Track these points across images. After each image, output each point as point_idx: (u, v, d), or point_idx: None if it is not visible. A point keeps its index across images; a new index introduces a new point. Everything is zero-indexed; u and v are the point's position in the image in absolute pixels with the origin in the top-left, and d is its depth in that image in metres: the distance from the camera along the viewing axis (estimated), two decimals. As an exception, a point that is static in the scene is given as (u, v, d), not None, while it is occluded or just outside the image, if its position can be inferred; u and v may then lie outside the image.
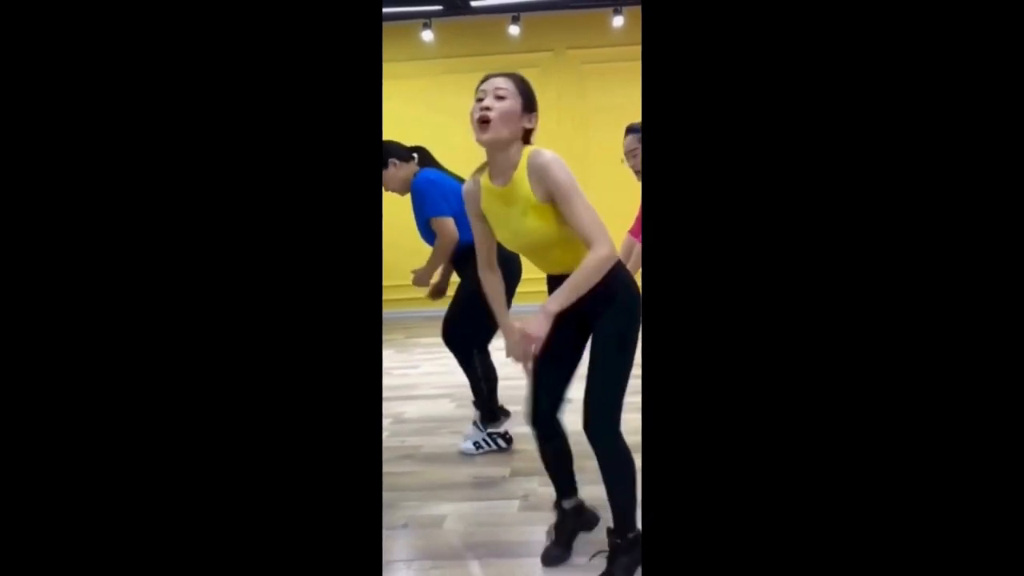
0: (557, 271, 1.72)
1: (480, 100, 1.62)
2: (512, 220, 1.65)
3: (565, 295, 1.55)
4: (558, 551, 1.93)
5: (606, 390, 1.68)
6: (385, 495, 2.42)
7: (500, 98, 1.60)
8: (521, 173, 1.61)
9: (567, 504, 1.97)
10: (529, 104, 1.65)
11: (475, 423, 2.79)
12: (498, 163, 1.65)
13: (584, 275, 1.55)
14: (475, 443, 2.76)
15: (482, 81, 1.67)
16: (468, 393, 3.05)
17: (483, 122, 1.58)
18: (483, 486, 2.45)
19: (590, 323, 1.73)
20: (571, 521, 1.98)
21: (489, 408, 2.74)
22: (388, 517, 2.26)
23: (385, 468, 2.68)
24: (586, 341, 1.77)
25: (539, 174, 1.58)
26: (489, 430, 2.77)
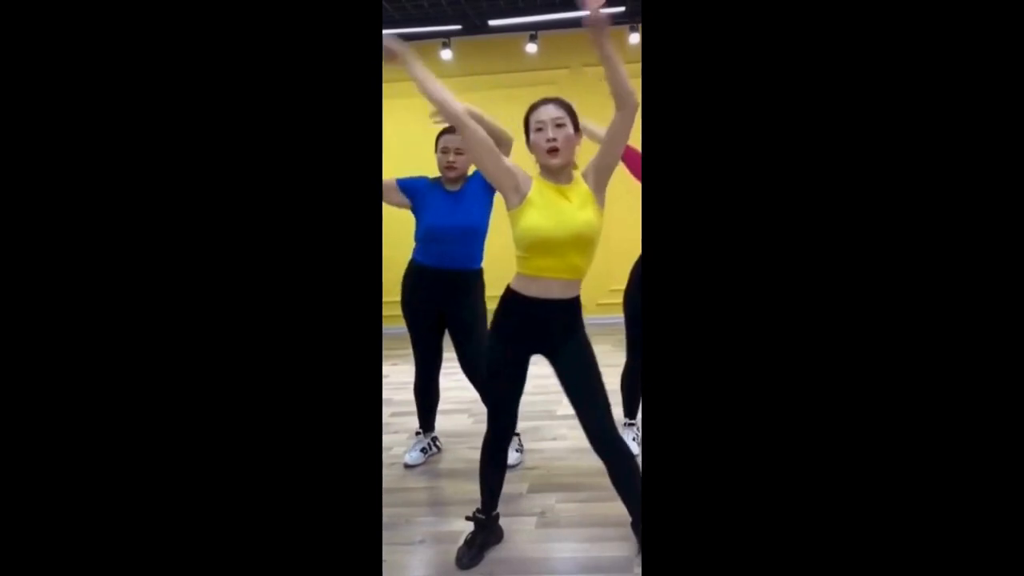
0: (567, 276, 1.87)
1: (540, 130, 1.84)
2: (568, 211, 1.84)
3: (611, 54, 1.76)
4: (470, 554, 2.05)
5: (597, 411, 1.90)
6: (402, 511, 2.41)
7: (560, 126, 1.84)
8: (579, 177, 1.90)
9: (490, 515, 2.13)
10: (576, 125, 1.90)
11: (418, 432, 2.94)
12: (559, 175, 1.88)
13: (622, 123, 1.80)
14: (422, 449, 2.90)
15: (532, 109, 1.87)
16: (484, 408, 3.02)
17: (553, 151, 1.82)
18: (500, 502, 2.43)
19: (547, 350, 1.92)
20: (488, 532, 2.12)
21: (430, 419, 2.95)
22: (405, 533, 2.26)
23: (402, 484, 2.68)
24: (527, 364, 1.96)
25: (588, 170, 1.87)
26: (431, 436, 2.95)
